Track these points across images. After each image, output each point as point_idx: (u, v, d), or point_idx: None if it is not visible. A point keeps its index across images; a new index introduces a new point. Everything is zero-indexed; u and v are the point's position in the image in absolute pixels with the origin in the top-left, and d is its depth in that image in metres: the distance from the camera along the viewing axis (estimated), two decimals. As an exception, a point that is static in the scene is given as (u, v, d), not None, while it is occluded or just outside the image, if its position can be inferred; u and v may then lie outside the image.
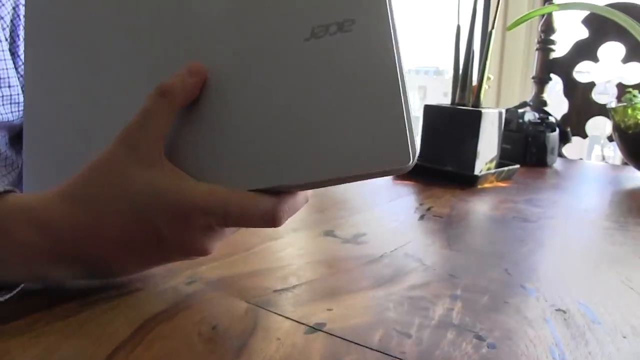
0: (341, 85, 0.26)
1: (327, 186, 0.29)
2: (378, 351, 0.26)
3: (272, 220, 0.27)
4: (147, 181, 0.27)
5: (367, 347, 0.26)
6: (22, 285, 0.29)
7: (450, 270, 0.37)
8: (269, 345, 0.26)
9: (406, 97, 0.25)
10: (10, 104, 0.47)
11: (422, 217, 0.50)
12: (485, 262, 0.39)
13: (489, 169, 0.69)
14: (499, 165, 0.71)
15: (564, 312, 0.31)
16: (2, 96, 0.46)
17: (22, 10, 0.48)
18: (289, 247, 0.41)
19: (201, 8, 0.29)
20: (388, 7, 0.25)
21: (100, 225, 0.27)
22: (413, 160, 0.25)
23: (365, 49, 0.25)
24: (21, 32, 0.48)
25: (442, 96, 3.45)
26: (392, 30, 0.25)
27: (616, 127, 0.75)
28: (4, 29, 0.47)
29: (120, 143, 0.27)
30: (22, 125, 0.36)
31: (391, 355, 0.25)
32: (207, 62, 0.28)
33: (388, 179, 0.67)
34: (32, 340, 0.26)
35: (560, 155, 0.99)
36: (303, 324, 0.28)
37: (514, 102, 1.03)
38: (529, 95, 1.12)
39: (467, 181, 0.65)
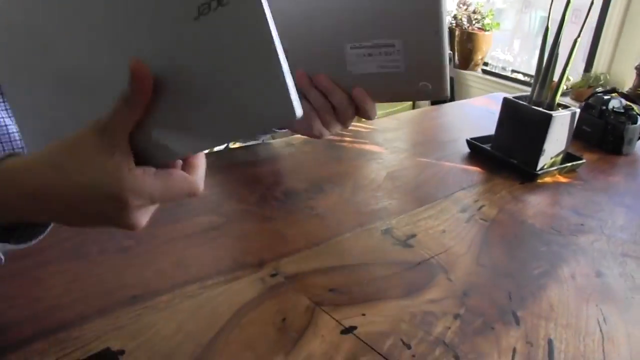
0: (231, 55, 0.30)
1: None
2: (384, 357, 0.39)
3: (193, 194, 0.35)
4: (101, 167, 0.32)
5: (377, 352, 0.40)
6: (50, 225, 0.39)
7: (466, 288, 0.48)
8: (314, 340, 0.41)
9: (284, 58, 0.29)
10: None
11: (469, 220, 0.61)
12: (497, 282, 0.50)
13: (553, 163, 0.75)
14: (566, 157, 0.77)
15: (531, 345, 0.42)
16: None
17: None
18: (350, 245, 0.54)
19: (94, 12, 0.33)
20: None
21: (63, 189, 0.33)
22: (297, 114, 0.29)
23: (242, 18, 0.29)
24: None
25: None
26: None
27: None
28: None
29: (92, 129, 0.33)
30: None
31: (391, 363, 0.39)
32: (135, 53, 0.32)
33: (458, 163, 0.76)
34: (171, 316, 0.42)
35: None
36: (341, 324, 0.42)
37: (622, 85, 1.03)
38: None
39: (527, 177, 0.73)
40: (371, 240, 0.55)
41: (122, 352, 0.38)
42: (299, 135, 0.77)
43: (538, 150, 0.73)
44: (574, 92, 2.04)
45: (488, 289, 0.49)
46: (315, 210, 0.61)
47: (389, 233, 0.57)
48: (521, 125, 0.75)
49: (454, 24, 2.43)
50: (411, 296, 0.47)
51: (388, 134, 0.88)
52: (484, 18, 2.40)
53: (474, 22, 2.41)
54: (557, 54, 0.72)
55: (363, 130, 0.88)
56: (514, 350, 0.41)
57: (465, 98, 2.44)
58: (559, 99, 0.74)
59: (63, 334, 0.39)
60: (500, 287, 0.49)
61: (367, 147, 0.81)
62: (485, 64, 2.50)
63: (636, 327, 0.45)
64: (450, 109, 1.09)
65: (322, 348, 0.40)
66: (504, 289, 0.49)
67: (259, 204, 0.61)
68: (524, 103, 0.75)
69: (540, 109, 0.73)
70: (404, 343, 0.41)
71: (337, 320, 0.43)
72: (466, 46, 2.41)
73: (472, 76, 2.47)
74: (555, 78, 0.74)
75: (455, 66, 2.47)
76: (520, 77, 2.39)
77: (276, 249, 0.52)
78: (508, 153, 0.76)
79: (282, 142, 0.80)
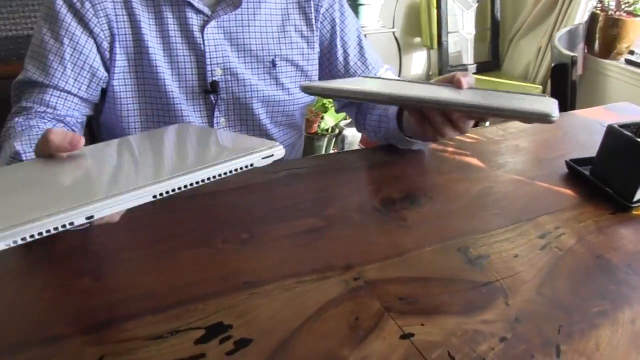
0: None
1: None
2: (430, 365, 0.49)
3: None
4: None
5: (425, 359, 0.49)
6: None
7: (519, 314, 0.55)
8: (377, 341, 0.51)
9: None
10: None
11: (544, 247, 0.66)
12: (550, 314, 0.56)
13: (652, 196, 0.76)
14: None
15: (564, 375, 0.48)
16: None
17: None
18: (427, 259, 0.63)
19: None
20: None
21: None
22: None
23: None
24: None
25: None
26: None
27: None
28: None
29: None
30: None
31: (435, 371, 0.48)
32: None
33: (552, 185, 0.80)
34: (270, 304, 0.54)
35: None
36: (402, 330, 0.52)
37: None
38: None
39: (620, 207, 0.75)
40: (447, 256, 0.63)
41: (230, 326, 0.51)
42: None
43: (636, 182, 0.74)
44: None
45: (540, 319, 0.55)
46: (406, 221, 0.69)
47: (463, 252, 0.64)
48: (623, 156, 0.76)
49: (599, 8, 2.28)
50: (468, 314, 0.55)
51: (490, 146, 0.92)
52: (635, 2, 2.22)
53: (623, 6, 2.24)
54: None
55: (467, 140, 0.94)
56: (546, 379, 0.48)
57: (602, 89, 2.30)
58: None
59: (192, 305, 0.53)
60: (553, 319, 0.55)
61: (467, 159, 0.87)
62: (632, 52, 2.32)
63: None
64: (561, 120, 1.10)
65: (381, 348, 0.50)
66: (555, 321, 0.55)
67: (358, 211, 0.71)
68: (629, 134, 0.76)
69: (643, 142, 0.73)
70: (449, 355, 0.50)
71: (399, 326, 0.52)
72: (610, 32, 2.26)
73: (613, 66, 2.31)
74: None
75: (593, 54, 2.33)
76: (670, 70, 2.20)
77: (363, 255, 0.62)
78: (605, 181, 0.78)
79: (389, 149, 0.89)
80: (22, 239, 0.35)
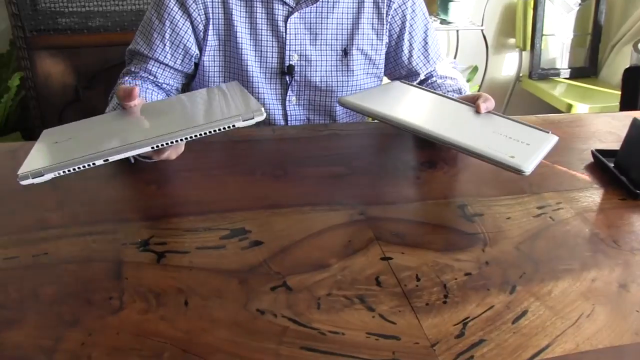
0: None
1: None
2: (397, 280, 0.59)
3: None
4: None
5: (396, 276, 0.60)
6: None
7: (490, 259, 0.64)
8: (360, 258, 0.62)
9: None
10: None
11: (538, 216, 0.73)
12: (520, 264, 0.64)
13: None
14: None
15: (508, 308, 0.57)
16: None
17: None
18: (429, 209, 0.73)
19: None
20: None
21: None
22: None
23: None
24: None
25: None
26: None
27: None
28: None
29: None
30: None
31: None
32: None
33: (571, 169, 0.86)
34: (285, 221, 0.68)
35: None
36: (384, 254, 0.63)
37: None
38: None
39: (630, 194, 0.80)
40: (445, 209, 0.73)
41: (250, 231, 0.66)
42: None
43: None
44: None
45: (508, 265, 0.63)
46: (419, 179, 0.80)
47: (461, 208, 0.73)
48: (641, 147, 0.81)
49: None
50: (445, 252, 0.64)
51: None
52: None
53: None
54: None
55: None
56: (491, 307, 0.57)
57: None
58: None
59: (225, 213, 0.68)
60: (519, 267, 0.63)
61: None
62: None
63: (615, 324, 0.56)
64: (610, 119, 1.12)
65: (361, 263, 0.62)
66: (521, 269, 0.63)
67: (380, 166, 0.83)
68: (649, 127, 0.80)
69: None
70: (416, 277, 0.60)
71: (383, 251, 0.64)
72: None
73: None
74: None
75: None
76: None
77: (373, 198, 0.74)
78: (625, 171, 0.83)
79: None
80: (105, 160, 0.61)
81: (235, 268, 0.60)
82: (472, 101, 0.82)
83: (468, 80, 2.42)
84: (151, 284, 0.56)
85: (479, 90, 2.38)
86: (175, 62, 0.96)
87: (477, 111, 0.79)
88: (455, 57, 2.42)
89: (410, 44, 1.04)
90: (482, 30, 2.25)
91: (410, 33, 1.03)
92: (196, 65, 0.99)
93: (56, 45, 1.71)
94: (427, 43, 1.05)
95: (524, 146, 0.72)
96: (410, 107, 0.83)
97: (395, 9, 1.01)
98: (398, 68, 1.06)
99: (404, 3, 1.01)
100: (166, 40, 0.94)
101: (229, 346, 0.50)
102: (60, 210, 0.68)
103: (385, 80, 1.12)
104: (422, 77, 1.06)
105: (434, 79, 1.05)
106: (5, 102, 1.74)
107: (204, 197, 0.72)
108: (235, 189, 0.74)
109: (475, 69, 2.43)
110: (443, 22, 2.21)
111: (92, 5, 1.71)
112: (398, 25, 1.02)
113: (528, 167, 0.66)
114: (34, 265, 0.58)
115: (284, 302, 0.55)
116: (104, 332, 0.50)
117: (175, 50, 0.95)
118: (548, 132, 0.78)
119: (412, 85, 0.90)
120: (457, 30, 2.33)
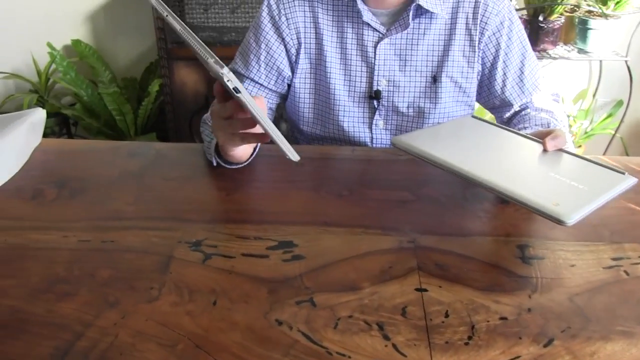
0: None
1: None
2: (424, 310, 0.58)
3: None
4: None
5: (423, 309, 0.59)
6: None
7: (534, 306, 0.60)
8: (394, 285, 0.62)
9: None
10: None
11: (610, 267, 0.67)
12: (562, 318, 0.59)
13: None
14: None
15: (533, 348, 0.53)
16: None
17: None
18: (483, 245, 0.70)
19: None
20: None
21: None
22: None
23: None
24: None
25: None
26: None
27: None
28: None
29: None
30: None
31: None
32: None
33: None
34: (334, 241, 0.69)
35: None
36: (420, 285, 0.62)
37: None
38: None
39: None
40: (502, 247, 0.70)
41: (296, 245, 0.68)
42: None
43: None
44: None
45: (554, 317, 0.59)
46: (485, 212, 0.77)
47: (521, 249, 0.69)
48: None
49: None
50: (486, 291, 0.62)
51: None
52: None
53: None
54: None
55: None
56: (517, 358, 0.54)
57: None
58: None
59: (279, 225, 0.72)
60: (565, 320, 0.58)
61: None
62: None
63: None
64: None
65: (393, 290, 0.61)
66: (566, 323, 0.58)
67: (448, 196, 0.81)
68: None
69: None
70: (446, 314, 0.58)
71: (420, 282, 0.63)
72: None
73: None
74: None
75: None
76: None
77: (430, 228, 0.73)
78: None
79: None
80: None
81: (269, 277, 0.63)
82: (544, 137, 0.77)
83: (610, 115, 2.22)
84: (190, 281, 0.62)
85: (618, 128, 2.19)
86: (269, 83, 1.02)
87: (544, 149, 0.74)
88: (596, 91, 2.24)
89: (504, 74, 0.99)
90: (626, 62, 2.05)
91: (504, 62, 0.99)
92: (289, 86, 1.04)
93: (192, 56, 1.89)
94: (522, 73, 1.00)
95: (579, 191, 0.65)
96: (463, 148, 0.76)
97: (489, 37, 0.97)
98: (491, 97, 1.02)
99: (499, 30, 0.97)
100: (261, 62, 1.01)
101: (237, 349, 0.53)
102: (136, 205, 0.76)
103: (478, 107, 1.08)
104: (516, 108, 1.01)
105: (529, 110, 1.00)
106: (145, 105, 1.97)
107: (265, 208, 0.77)
108: (297, 204, 0.78)
109: (620, 103, 2.23)
110: (581, 51, 2.06)
111: (226, 22, 1.87)
112: (492, 54, 0.98)
113: (571, 217, 0.59)
114: (100, 249, 0.67)
115: (304, 316, 0.57)
116: (135, 316, 0.56)
117: (269, 72, 1.01)
118: (624, 174, 0.70)
119: (482, 120, 0.85)
120: (601, 61, 2.15)
